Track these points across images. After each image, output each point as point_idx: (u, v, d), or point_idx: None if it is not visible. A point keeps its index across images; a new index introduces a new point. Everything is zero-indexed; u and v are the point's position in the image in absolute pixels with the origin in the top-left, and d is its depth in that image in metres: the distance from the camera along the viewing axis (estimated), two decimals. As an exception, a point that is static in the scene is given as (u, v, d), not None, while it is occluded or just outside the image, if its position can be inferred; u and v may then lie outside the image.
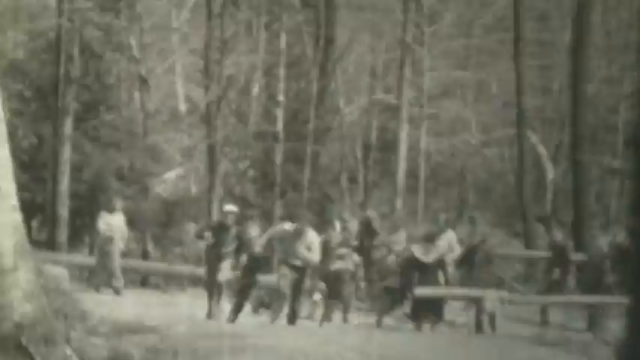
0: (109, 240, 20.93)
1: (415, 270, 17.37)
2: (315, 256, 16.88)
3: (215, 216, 24.41)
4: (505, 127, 34.88)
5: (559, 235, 20.37)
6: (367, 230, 21.76)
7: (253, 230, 18.15)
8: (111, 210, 21.33)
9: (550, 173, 35.28)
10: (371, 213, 23.15)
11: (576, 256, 21.17)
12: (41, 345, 9.17)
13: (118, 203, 21.59)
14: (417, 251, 17.44)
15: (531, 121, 31.99)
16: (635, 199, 3.94)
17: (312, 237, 17.04)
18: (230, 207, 18.45)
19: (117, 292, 20.57)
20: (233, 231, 17.68)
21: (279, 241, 17.60)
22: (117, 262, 20.91)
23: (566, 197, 32.59)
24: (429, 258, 17.39)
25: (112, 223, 21.07)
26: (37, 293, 9.44)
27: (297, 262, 16.80)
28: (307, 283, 17.34)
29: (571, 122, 29.14)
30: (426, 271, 17.32)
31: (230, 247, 17.54)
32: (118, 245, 21.11)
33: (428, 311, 17.17)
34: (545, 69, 38.32)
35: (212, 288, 17.86)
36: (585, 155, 27.74)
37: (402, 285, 17.50)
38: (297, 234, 16.87)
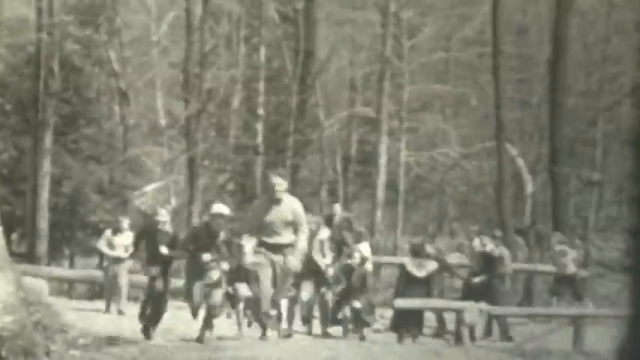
0: (118, 261, 19.73)
1: (406, 284, 17.34)
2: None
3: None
4: (484, 140, 35.03)
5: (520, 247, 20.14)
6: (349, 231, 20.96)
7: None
8: (117, 231, 19.95)
9: (529, 186, 35.38)
10: (347, 214, 22.25)
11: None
12: (21, 357, 9.17)
13: (126, 222, 20.20)
14: (410, 265, 17.42)
15: (510, 134, 32.16)
16: (635, 202, 4.00)
17: (290, 203, 13.15)
18: (220, 208, 13.81)
19: (121, 312, 19.25)
20: (221, 238, 13.65)
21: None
22: (125, 282, 19.69)
23: (545, 209, 32.75)
24: (421, 273, 17.37)
25: (119, 243, 19.75)
26: (16, 306, 9.44)
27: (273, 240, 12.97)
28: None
29: (550, 135, 29.34)
30: (416, 285, 17.30)
31: (215, 256, 13.47)
32: (127, 265, 19.67)
33: (409, 323, 17.18)
34: (524, 82, 38.55)
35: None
36: (564, 168, 27.96)
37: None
38: (273, 202, 12.97)
